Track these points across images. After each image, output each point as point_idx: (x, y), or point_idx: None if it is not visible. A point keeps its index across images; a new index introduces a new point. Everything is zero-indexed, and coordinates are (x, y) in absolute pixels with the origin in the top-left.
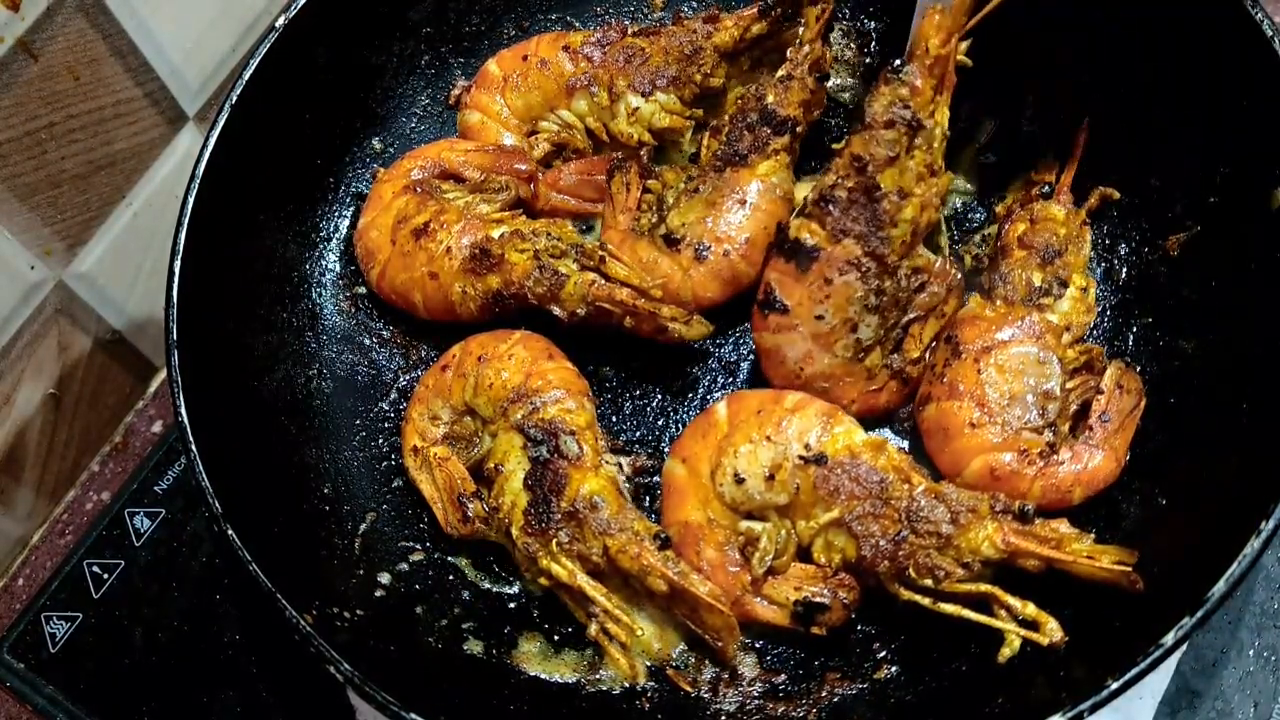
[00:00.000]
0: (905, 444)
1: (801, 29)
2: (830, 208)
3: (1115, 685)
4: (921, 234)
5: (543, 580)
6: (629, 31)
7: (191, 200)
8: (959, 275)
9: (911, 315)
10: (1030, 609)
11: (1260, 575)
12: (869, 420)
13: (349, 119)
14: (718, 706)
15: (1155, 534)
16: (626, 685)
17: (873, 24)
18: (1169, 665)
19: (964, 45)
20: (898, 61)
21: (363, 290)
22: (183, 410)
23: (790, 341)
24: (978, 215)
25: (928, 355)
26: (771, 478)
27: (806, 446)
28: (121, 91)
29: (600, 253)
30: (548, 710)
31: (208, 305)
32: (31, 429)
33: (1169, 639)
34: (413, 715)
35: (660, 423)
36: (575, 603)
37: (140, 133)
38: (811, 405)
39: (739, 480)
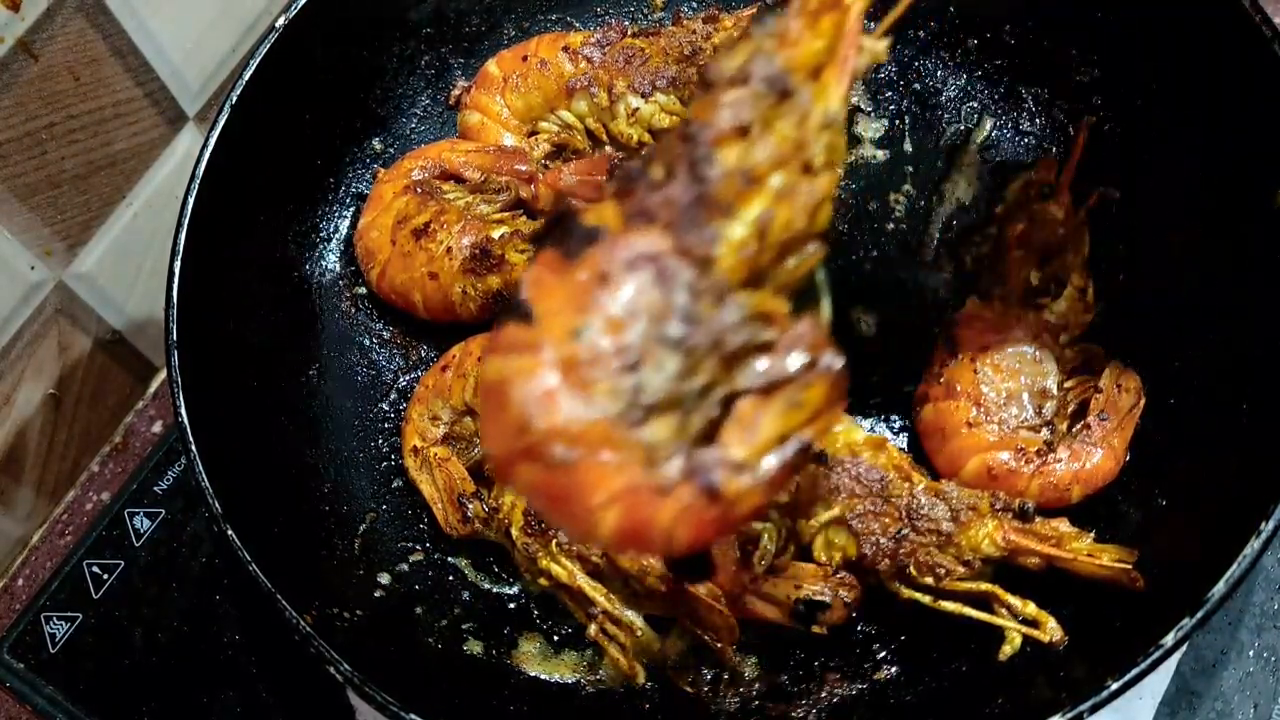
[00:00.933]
0: (904, 444)
1: None
2: (633, 183)
3: (1115, 686)
4: (774, 257)
5: (542, 580)
6: (628, 32)
7: (191, 200)
8: (839, 363)
9: (741, 384)
10: (1030, 608)
11: (1260, 576)
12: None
13: (349, 119)
14: (718, 707)
15: (1155, 534)
16: (626, 686)
17: (874, 25)
18: (1169, 666)
19: (883, 42)
20: (771, 8)
21: (363, 290)
22: (183, 410)
23: (523, 370)
24: (977, 215)
25: (767, 468)
26: None
27: None
28: (122, 92)
29: None
30: (548, 711)
31: (208, 305)
32: (31, 429)
33: (1169, 640)
34: (412, 716)
35: None
36: (575, 603)
37: (140, 133)
38: None
39: None
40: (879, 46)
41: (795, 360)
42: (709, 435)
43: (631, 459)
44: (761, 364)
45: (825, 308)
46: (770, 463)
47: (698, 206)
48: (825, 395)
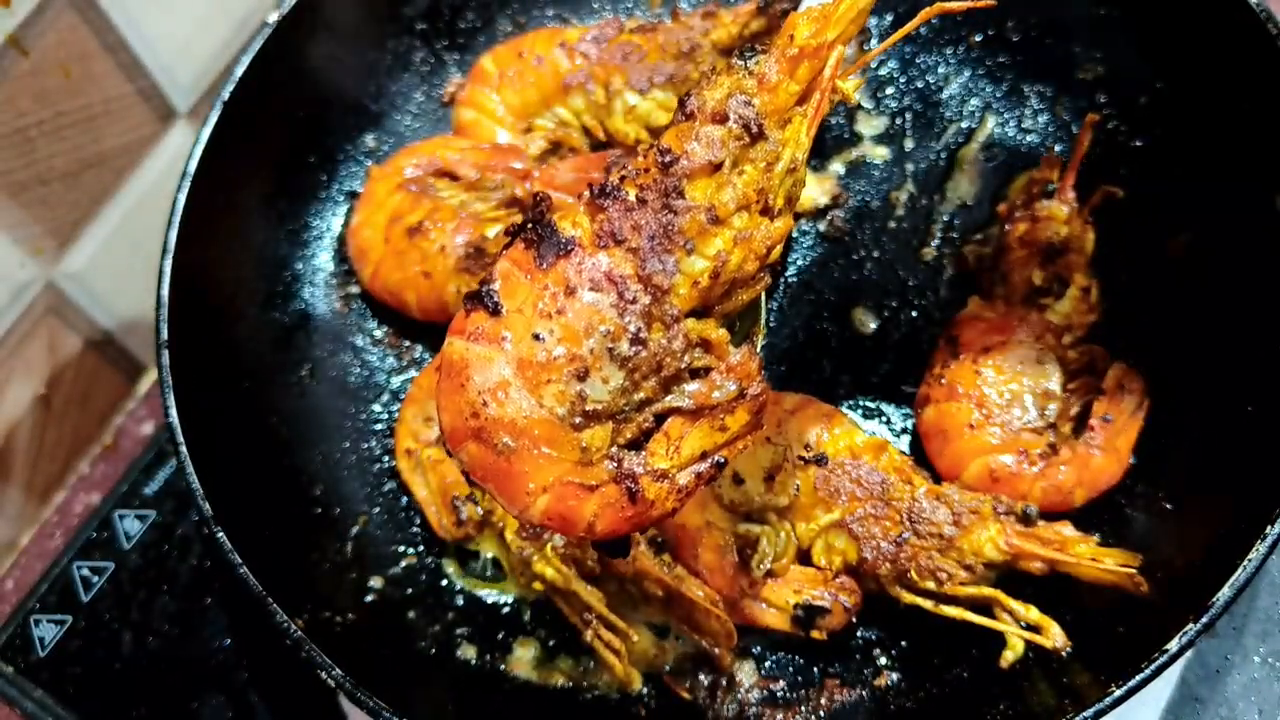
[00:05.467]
0: (905, 447)
1: None
2: (609, 202)
3: (1119, 692)
4: (724, 291)
5: (537, 585)
6: (626, 28)
7: (182, 198)
8: (763, 390)
9: (674, 402)
10: (1033, 613)
11: (1265, 581)
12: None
13: (342, 116)
14: (715, 713)
15: (1159, 538)
16: (622, 692)
17: (874, 19)
18: (1173, 672)
19: (853, 83)
20: (752, 49)
21: (355, 290)
22: (173, 411)
23: (484, 359)
24: (979, 214)
25: (684, 480)
26: (771, 479)
27: (807, 447)
28: (112, 88)
29: None
30: (543, 717)
31: (198, 305)
32: (21, 430)
33: (1173, 645)
34: None
35: None
36: (570, 608)
37: (131, 130)
38: (811, 406)
39: (738, 481)
40: (849, 88)
41: (726, 389)
42: (638, 443)
43: (567, 456)
44: (695, 386)
45: (762, 333)
46: (688, 475)
47: (664, 237)
48: (747, 422)
